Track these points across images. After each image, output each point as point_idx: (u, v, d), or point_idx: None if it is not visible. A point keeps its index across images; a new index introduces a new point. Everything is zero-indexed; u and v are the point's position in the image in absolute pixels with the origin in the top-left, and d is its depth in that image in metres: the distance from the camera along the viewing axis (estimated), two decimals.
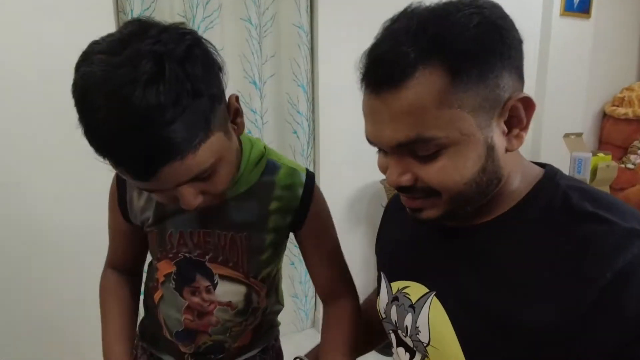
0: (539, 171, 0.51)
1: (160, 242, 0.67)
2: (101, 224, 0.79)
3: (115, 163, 0.47)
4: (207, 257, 0.66)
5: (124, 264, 0.77)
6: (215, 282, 0.67)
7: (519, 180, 0.49)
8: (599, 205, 0.44)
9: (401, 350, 0.59)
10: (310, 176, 0.69)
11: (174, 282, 0.69)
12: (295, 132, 1.90)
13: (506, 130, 0.46)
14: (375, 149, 0.51)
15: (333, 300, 0.74)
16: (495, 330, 0.45)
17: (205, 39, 0.51)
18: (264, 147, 0.68)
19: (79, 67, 0.46)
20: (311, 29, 1.84)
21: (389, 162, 0.48)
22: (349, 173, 1.99)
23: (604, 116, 2.43)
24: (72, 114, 0.46)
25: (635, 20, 2.57)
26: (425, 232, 0.58)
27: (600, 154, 1.87)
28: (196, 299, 0.68)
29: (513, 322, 0.44)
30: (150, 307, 0.76)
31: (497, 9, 0.44)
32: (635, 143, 2.00)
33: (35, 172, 1.51)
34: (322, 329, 0.73)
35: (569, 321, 0.40)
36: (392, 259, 0.63)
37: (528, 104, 0.45)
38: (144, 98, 0.42)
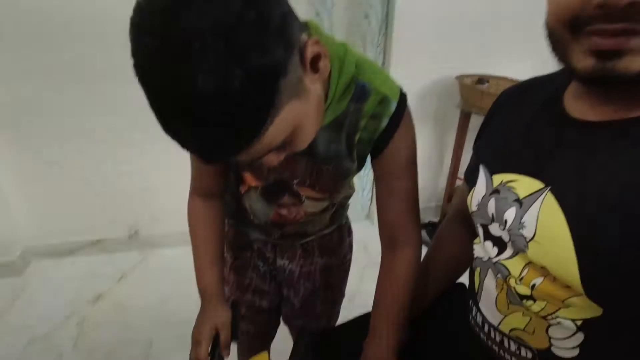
0: None
1: (251, 169, 0.68)
2: None
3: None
4: (295, 181, 0.67)
5: (211, 189, 0.75)
6: (303, 200, 0.71)
7: None
8: None
9: (489, 243, 0.58)
10: (402, 105, 0.61)
11: (261, 196, 0.71)
12: (366, 17, 1.73)
13: None
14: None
15: (393, 247, 0.70)
16: (617, 233, 0.41)
17: None
18: (355, 65, 0.58)
19: (132, 44, 0.39)
20: None
21: None
22: (422, 66, 1.84)
23: None
24: None
25: None
26: (548, 124, 0.52)
27: None
28: (284, 211, 0.72)
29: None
30: (233, 192, 0.78)
31: None
32: None
33: None
34: (377, 286, 0.71)
35: None
36: (499, 151, 0.58)
37: None
38: (196, 88, 0.36)
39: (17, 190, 1.85)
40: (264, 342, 1.05)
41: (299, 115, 0.46)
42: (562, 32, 0.42)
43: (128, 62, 0.39)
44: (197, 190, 0.75)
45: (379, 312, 0.69)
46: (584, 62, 0.40)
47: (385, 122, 0.61)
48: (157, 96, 0.39)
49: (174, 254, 2.03)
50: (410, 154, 0.66)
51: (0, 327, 1.68)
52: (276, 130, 0.43)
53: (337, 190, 0.71)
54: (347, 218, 0.91)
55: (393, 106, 0.60)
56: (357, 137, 0.62)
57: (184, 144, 0.42)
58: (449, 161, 2.08)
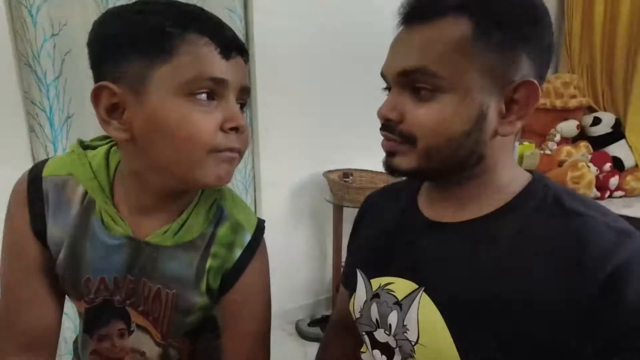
0: (528, 175, 0.52)
1: (74, 286, 0.55)
2: None
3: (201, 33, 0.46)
4: (127, 301, 0.56)
5: (31, 334, 0.55)
6: (132, 329, 0.59)
7: (508, 177, 0.50)
8: (588, 207, 0.45)
9: (377, 352, 0.55)
10: (257, 237, 0.58)
11: (83, 325, 0.59)
12: None
13: (504, 111, 0.46)
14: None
15: None
16: (491, 325, 0.43)
17: None
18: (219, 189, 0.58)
19: None
20: (245, 14, 1.72)
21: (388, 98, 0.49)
22: (290, 165, 1.92)
23: None
24: None
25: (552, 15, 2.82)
26: (412, 227, 0.55)
27: (525, 143, 2.01)
28: (105, 345, 0.59)
29: (512, 319, 0.42)
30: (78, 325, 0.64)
31: None
32: (552, 131, 2.18)
33: None
34: None
35: (568, 317, 0.40)
36: (372, 255, 0.59)
37: (532, 92, 0.45)
38: None
39: None
40: None
41: None
42: None
43: None
44: (11, 344, 0.54)
45: None
46: (384, 156, 0.52)
47: (237, 253, 0.56)
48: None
49: None
50: (263, 293, 0.60)
51: None
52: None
53: (172, 328, 0.58)
54: None
55: (247, 237, 0.57)
56: (208, 263, 0.56)
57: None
58: (331, 252, 2.11)
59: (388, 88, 0.51)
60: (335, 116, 1.98)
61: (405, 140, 0.47)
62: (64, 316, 0.72)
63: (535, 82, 0.44)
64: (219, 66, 0.46)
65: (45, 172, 0.53)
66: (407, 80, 0.46)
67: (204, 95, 0.45)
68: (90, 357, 0.60)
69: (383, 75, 0.50)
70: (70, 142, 1.35)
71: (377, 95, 0.56)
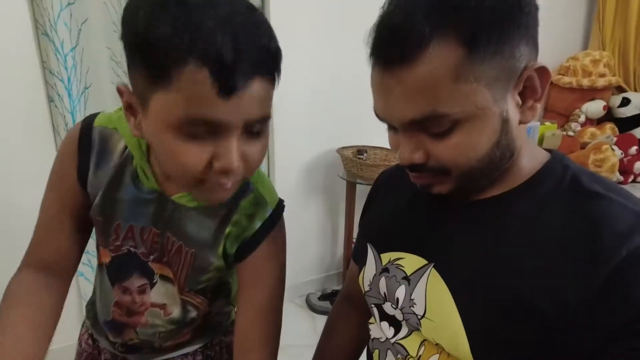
0: (546, 153, 0.50)
1: (104, 231, 0.60)
2: None
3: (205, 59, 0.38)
4: (151, 257, 0.61)
5: (56, 259, 0.61)
6: (155, 281, 0.62)
7: (527, 158, 0.49)
8: (608, 188, 0.44)
9: (385, 324, 0.56)
10: (277, 213, 0.60)
11: (107, 275, 0.64)
12: None
13: (520, 102, 0.44)
14: (382, 123, 0.48)
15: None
16: (499, 305, 0.43)
17: None
18: None
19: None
20: None
21: (400, 139, 0.46)
22: (304, 142, 1.91)
23: (550, 84, 2.53)
24: None
25: None
26: (425, 204, 0.55)
27: (547, 123, 1.95)
28: (127, 298, 0.64)
29: (518, 297, 0.42)
30: (95, 286, 0.70)
31: None
32: (577, 111, 2.11)
33: None
34: None
35: (578, 298, 0.39)
36: (384, 230, 0.59)
37: (543, 74, 0.43)
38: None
39: None
40: None
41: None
42: None
43: None
44: (33, 260, 0.60)
45: None
46: (418, 185, 0.51)
47: (257, 224, 0.58)
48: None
49: None
50: (278, 268, 0.61)
51: None
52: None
53: (187, 283, 0.62)
54: (227, 333, 0.76)
55: (268, 211, 0.59)
56: (227, 230, 0.58)
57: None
58: (343, 229, 2.13)
59: (391, 127, 0.48)
60: (350, 92, 1.95)
61: (438, 172, 0.46)
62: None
63: (540, 64, 0.43)
64: (217, 107, 0.40)
65: (96, 122, 0.58)
66: (417, 126, 0.43)
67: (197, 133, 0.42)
68: (113, 309, 0.64)
69: (380, 117, 0.47)
70: (88, 113, 1.37)
71: None
